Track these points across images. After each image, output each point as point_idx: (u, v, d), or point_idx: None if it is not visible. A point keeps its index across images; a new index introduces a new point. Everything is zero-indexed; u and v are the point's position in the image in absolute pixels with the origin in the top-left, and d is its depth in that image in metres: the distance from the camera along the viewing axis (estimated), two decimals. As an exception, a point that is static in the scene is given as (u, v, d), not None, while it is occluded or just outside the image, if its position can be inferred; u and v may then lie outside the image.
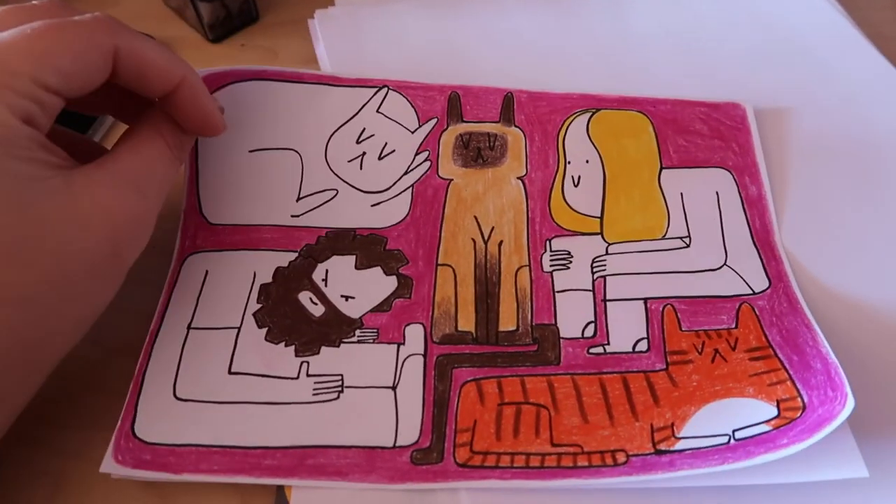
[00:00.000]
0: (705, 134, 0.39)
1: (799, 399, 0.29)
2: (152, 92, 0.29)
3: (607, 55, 0.44)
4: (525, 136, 0.39)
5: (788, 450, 0.27)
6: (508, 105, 0.40)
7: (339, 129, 0.39)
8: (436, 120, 0.40)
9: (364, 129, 0.39)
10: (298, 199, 0.37)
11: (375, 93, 0.40)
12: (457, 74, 0.42)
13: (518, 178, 0.38)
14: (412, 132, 0.39)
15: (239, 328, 0.33)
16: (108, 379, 0.33)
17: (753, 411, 0.29)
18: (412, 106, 0.40)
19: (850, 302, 0.34)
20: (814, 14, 0.47)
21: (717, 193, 0.37)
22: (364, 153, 0.39)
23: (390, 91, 0.40)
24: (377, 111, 0.40)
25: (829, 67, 0.44)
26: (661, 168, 0.38)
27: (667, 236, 0.36)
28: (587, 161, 0.38)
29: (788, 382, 0.30)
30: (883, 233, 0.37)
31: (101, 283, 0.28)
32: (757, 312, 0.33)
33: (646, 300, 0.34)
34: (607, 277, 0.35)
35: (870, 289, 0.35)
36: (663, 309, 0.33)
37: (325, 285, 0.34)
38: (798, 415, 0.29)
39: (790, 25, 0.46)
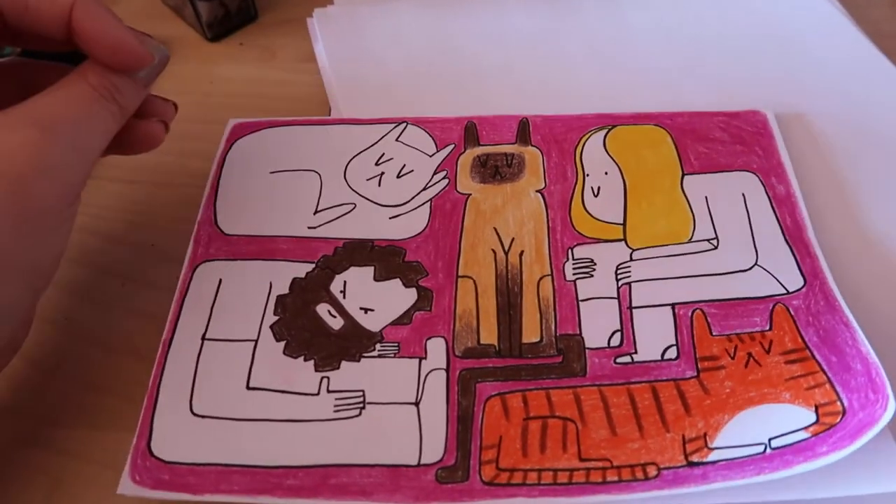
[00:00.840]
0: (726, 141, 0.39)
1: (839, 403, 0.28)
2: (46, 25, 0.28)
3: (617, 73, 0.44)
4: (542, 153, 0.39)
5: (828, 458, 0.26)
6: (524, 128, 0.40)
7: (358, 154, 0.39)
8: (453, 146, 0.39)
9: (383, 153, 0.39)
10: (316, 212, 0.37)
11: (395, 127, 0.40)
12: (458, 73, 0.42)
13: (537, 191, 0.37)
14: (430, 156, 0.39)
15: (256, 341, 0.32)
16: (113, 381, 0.33)
17: (790, 418, 0.28)
18: (430, 136, 0.40)
19: (891, 299, 0.33)
20: (813, 14, 0.46)
21: (743, 195, 0.36)
22: (383, 173, 0.38)
23: (409, 125, 0.40)
24: (396, 140, 0.40)
25: (830, 68, 0.43)
26: (683, 174, 0.37)
27: (693, 239, 0.35)
28: (606, 173, 0.38)
29: (827, 385, 0.29)
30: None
31: (12, 223, 0.26)
32: (792, 312, 0.32)
33: (673, 305, 0.33)
34: (632, 284, 0.34)
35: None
36: (692, 314, 0.32)
37: (344, 297, 0.34)
38: (838, 420, 0.27)
39: (790, 26, 0.46)
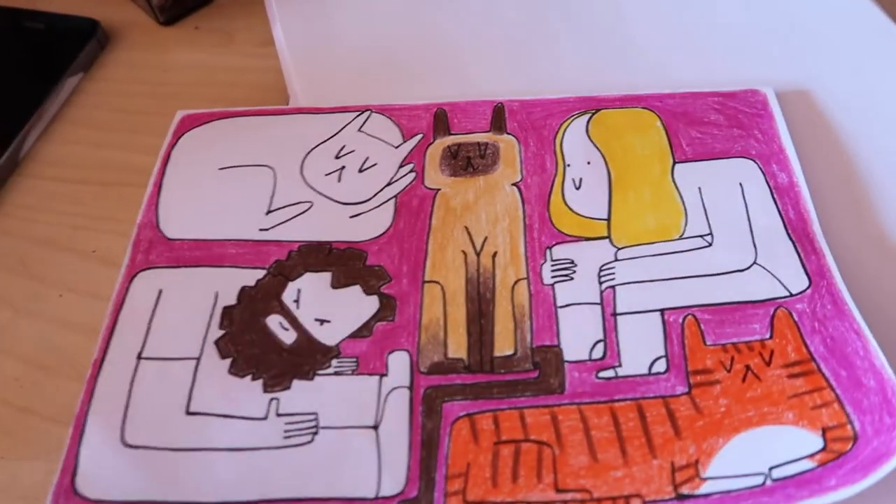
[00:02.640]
0: (722, 124, 0.35)
1: (849, 427, 0.25)
2: None
3: (604, 52, 0.40)
4: (519, 142, 0.35)
5: (837, 493, 0.23)
6: (499, 114, 0.36)
7: (317, 146, 0.36)
8: (421, 135, 0.36)
9: (344, 146, 0.36)
10: (269, 212, 0.33)
11: (357, 116, 0.37)
12: (428, 55, 0.39)
13: (513, 184, 0.34)
14: (396, 147, 0.36)
15: (198, 359, 0.29)
16: (46, 404, 0.30)
17: (794, 443, 0.25)
18: (396, 125, 0.37)
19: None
20: None
21: (740, 185, 0.33)
22: (343, 167, 0.35)
23: (373, 113, 0.37)
24: (359, 130, 0.36)
25: (837, 40, 0.40)
26: (675, 162, 0.34)
27: (685, 236, 0.31)
28: (589, 163, 0.34)
29: (836, 405, 0.25)
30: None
31: None
32: (795, 318, 0.28)
33: (662, 311, 0.29)
34: (617, 287, 0.30)
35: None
36: (683, 320, 0.29)
37: (297, 307, 0.31)
38: (849, 447, 0.24)
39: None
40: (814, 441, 0.25)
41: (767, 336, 0.28)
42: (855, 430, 0.24)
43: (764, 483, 0.24)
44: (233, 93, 0.41)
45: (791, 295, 0.29)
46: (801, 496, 0.23)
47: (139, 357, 0.29)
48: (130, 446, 0.27)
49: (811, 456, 0.24)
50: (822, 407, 0.25)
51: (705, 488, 0.24)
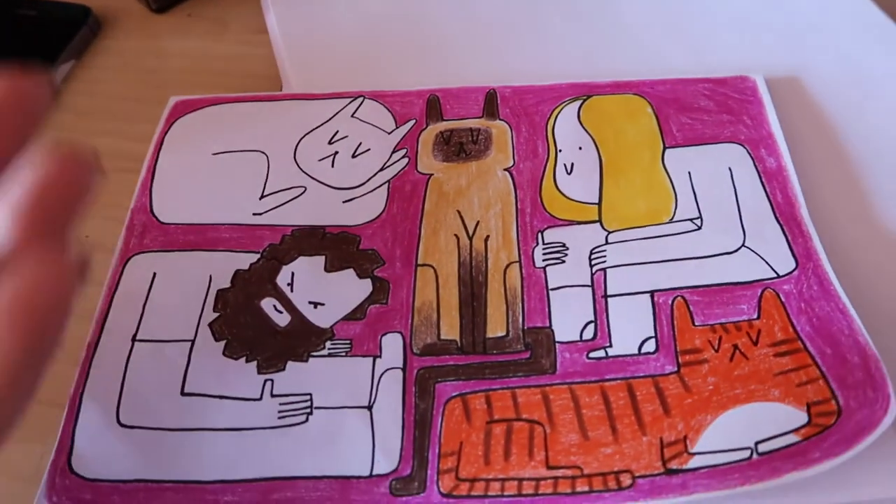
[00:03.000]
0: (712, 110, 0.35)
1: (833, 402, 0.25)
2: None
3: (596, 38, 0.40)
4: (511, 127, 0.36)
5: (821, 466, 0.23)
6: (492, 101, 0.37)
7: (310, 132, 0.36)
8: (414, 121, 0.36)
9: (337, 131, 0.36)
10: (262, 196, 0.34)
11: (350, 102, 0.37)
12: (421, 41, 0.39)
13: (505, 169, 0.34)
14: (388, 133, 0.36)
15: (193, 341, 0.29)
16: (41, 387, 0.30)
17: (780, 418, 0.25)
18: (389, 111, 0.37)
19: (890, 283, 0.30)
20: None
21: (729, 169, 0.33)
22: (336, 152, 0.35)
23: (366, 99, 0.37)
24: (352, 116, 0.36)
25: (826, 26, 0.40)
26: (665, 148, 0.34)
27: (675, 219, 0.32)
28: (580, 148, 0.35)
29: (821, 381, 0.26)
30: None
31: None
32: (782, 298, 0.29)
33: (652, 293, 0.30)
34: (608, 270, 0.30)
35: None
36: (673, 301, 0.29)
37: (291, 290, 0.31)
38: (832, 421, 0.24)
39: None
40: (799, 416, 0.25)
41: (755, 316, 0.28)
42: (839, 404, 0.25)
43: (750, 457, 0.25)
44: (226, 80, 0.41)
45: (778, 276, 0.30)
46: (786, 469, 0.24)
47: (134, 339, 0.29)
48: (126, 426, 0.27)
49: (796, 430, 0.25)
50: (807, 384, 0.26)
51: (693, 463, 0.25)
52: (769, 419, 0.25)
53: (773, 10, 0.41)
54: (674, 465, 0.25)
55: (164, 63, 0.42)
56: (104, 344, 0.29)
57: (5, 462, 0.28)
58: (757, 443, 0.25)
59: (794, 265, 0.30)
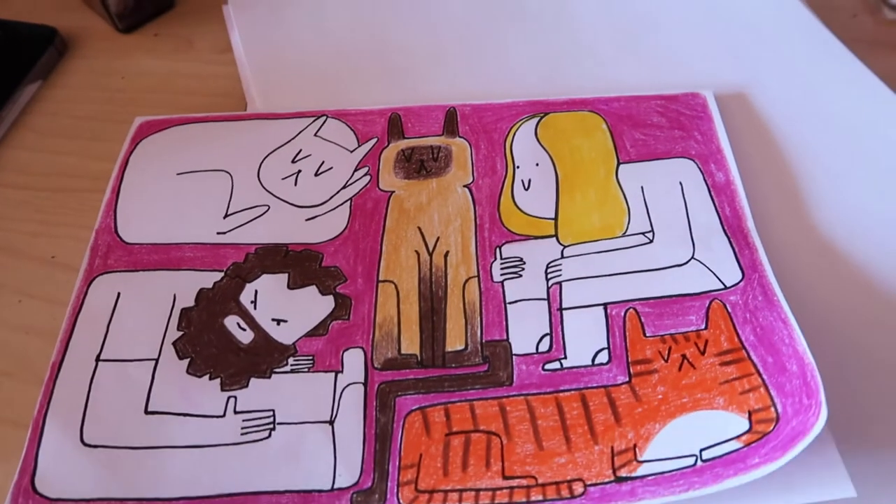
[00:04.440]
0: (664, 126, 0.37)
1: (773, 409, 0.26)
2: None
3: (552, 57, 0.42)
4: (470, 145, 0.37)
5: (760, 470, 0.24)
6: (452, 119, 0.38)
7: (274, 151, 0.37)
8: (376, 139, 0.37)
9: (301, 150, 0.37)
10: (226, 215, 0.34)
11: (314, 121, 0.38)
12: (384, 60, 0.40)
13: (464, 186, 0.35)
14: (351, 151, 0.37)
15: (157, 360, 0.30)
16: (4, 407, 0.30)
17: (723, 426, 0.26)
18: (352, 130, 0.38)
19: (834, 292, 0.31)
20: None
21: (680, 184, 0.34)
22: (299, 171, 0.36)
23: (329, 118, 0.38)
24: (315, 135, 0.37)
25: (773, 44, 0.42)
26: (619, 163, 0.35)
27: (628, 233, 0.33)
28: (537, 164, 0.36)
29: (762, 389, 0.27)
30: (859, 212, 0.34)
31: None
32: (729, 309, 0.30)
33: (606, 305, 0.31)
34: (563, 283, 0.31)
35: (851, 278, 0.32)
36: (625, 314, 0.30)
37: (255, 308, 0.31)
38: (771, 428, 0.25)
39: (736, 6, 0.44)
40: (741, 423, 0.26)
41: (703, 327, 0.29)
42: (777, 411, 0.26)
43: (695, 464, 0.25)
44: (192, 99, 0.41)
45: (725, 287, 0.31)
46: (727, 475, 0.25)
47: (98, 359, 0.30)
48: (89, 445, 0.27)
49: (738, 437, 0.26)
50: (749, 392, 0.27)
51: (642, 470, 0.26)
52: (713, 427, 0.26)
53: (723, 29, 0.43)
54: (623, 472, 0.26)
55: (131, 83, 0.43)
56: (68, 364, 0.29)
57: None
58: (702, 450, 0.26)
59: (740, 276, 0.31)
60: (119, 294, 0.31)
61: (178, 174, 0.36)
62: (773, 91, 0.39)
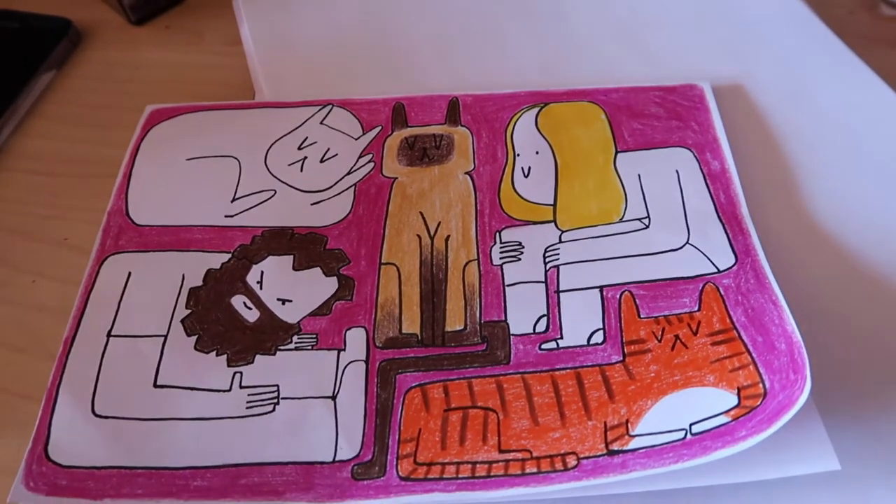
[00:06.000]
0: (662, 116, 0.37)
1: (760, 385, 0.27)
2: None
3: (553, 49, 0.42)
4: (472, 133, 0.38)
5: (747, 442, 0.25)
6: (454, 108, 0.39)
7: (281, 138, 0.38)
8: (380, 128, 0.38)
9: (307, 137, 0.38)
10: (234, 199, 0.35)
11: (320, 109, 0.39)
12: (389, 51, 0.41)
13: (466, 173, 0.36)
14: (356, 139, 0.38)
15: (165, 336, 0.31)
16: (20, 382, 0.31)
17: (712, 401, 0.27)
18: (356, 118, 0.39)
19: (824, 277, 0.32)
20: None
21: (677, 172, 0.35)
22: (305, 157, 0.37)
23: (335, 107, 0.39)
24: (321, 123, 0.38)
25: (769, 37, 0.42)
26: (617, 152, 0.36)
27: (624, 219, 0.34)
28: (537, 152, 0.36)
29: (751, 367, 0.28)
30: (849, 200, 0.35)
31: None
32: (722, 292, 0.31)
33: (602, 288, 0.31)
34: (560, 267, 0.32)
35: (840, 261, 0.32)
36: (621, 296, 0.31)
37: (261, 288, 0.32)
38: (759, 402, 0.26)
39: (734, 0, 0.45)
40: (730, 399, 0.27)
41: (696, 308, 0.30)
42: (765, 387, 0.27)
43: (685, 437, 0.26)
44: (201, 90, 0.42)
45: (719, 271, 0.31)
46: (715, 447, 0.25)
47: (109, 335, 0.31)
48: (100, 416, 0.29)
49: (727, 412, 0.26)
50: (739, 369, 0.28)
51: (633, 444, 0.27)
52: (703, 402, 0.27)
53: (720, 21, 0.43)
54: (615, 446, 0.27)
55: (142, 73, 0.44)
56: (80, 339, 0.30)
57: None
58: (691, 424, 0.26)
59: (733, 261, 0.32)
60: (129, 273, 0.32)
61: (187, 160, 0.37)
62: (769, 83, 0.39)
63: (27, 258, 0.35)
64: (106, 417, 0.29)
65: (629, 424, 0.27)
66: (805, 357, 0.26)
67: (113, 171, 0.37)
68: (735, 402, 0.27)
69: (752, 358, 0.28)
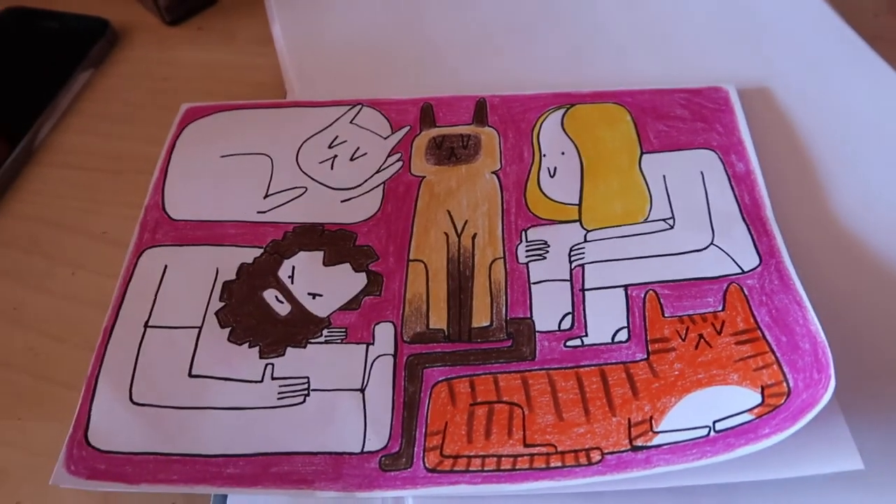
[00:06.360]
0: (686, 118, 0.38)
1: (784, 384, 0.27)
2: None
3: (579, 50, 0.43)
4: (499, 134, 0.38)
5: (770, 440, 0.25)
6: (481, 109, 0.39)
7: (312, 136, 0.39)
8: (408, 127, 0.39)
9: (337, 136, 0.38)
10: (266, 196, 0.36)
11: (350, 109, 0.40)
12: (418, 51, 0.42)
13: (492, 172, 0.37)
14: (385, 138, 0.38)
15: (200, 328, 0.32)
16: (62, 371, 0.33)
17: (736, 400, 0.27)
18: (385, 118, 0.39)
19: (849, 277, 0.32)
20: None
21: (701, 173, 0.35)
22: (336, 156, 0.38)
23: (364, 107, 0.39)
24: (351, 122, 0.39)
25: (795, 40, 0.42)
26: (642, 153, 0.36)
27: (649, 219, 0.34)
28: (563, 153, 0.37)
29: (775, 366, 0.28)
30: (874, 202, 0.35)
31: None
32: (746, 292, 0.31)
33: (626, 287, 0.32)
34: (586, 266, 0.33)
35: (866, 263, 0.33)
36: (645, 295, 0.31)
37: (292, 282, 0.33)
38: (782, 401, 0.26)
39: (760, 4, 0.45)
40: (753, 397, 0.27)
41: (720, 308, 0.31)
42: (789, 386, 0.27)
43: (708, 434, 0.27)
44: (234, 88, 0.43)
45: (743, 272, 0.32)
46: (739, 444, 0.26)
47: (146, 325, 0.32)
48: (137, 404, 0.30)
49: (750, 410, 0.27)
50: (763, 368, 0.28)
51: (657, 440, 0.27)
52: (727, 400, 0.27)
53: (746, 24, 0.43)
54: (639, 442, 0.27)
55: (177, 72, 0.45)
56: (119, 330, 0.31)
57: (27, 440, 0.31)
58: (715, 421, 0.27)
59: (758, 262, 0.32)
60: (166, 266, 0.33)
61: (221, 157, 0.37)
62: (794, 86, 0.39)
63: (68, 251, 0.37)
64: (143, 405, 0.29)
65: (653, 421, 0.28)
66: (829, 356, 0.26)
67: (149, 166, 0.38)
68: (759, 400, 0.27)
69: (775, 357, 0.28)
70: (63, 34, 0.46)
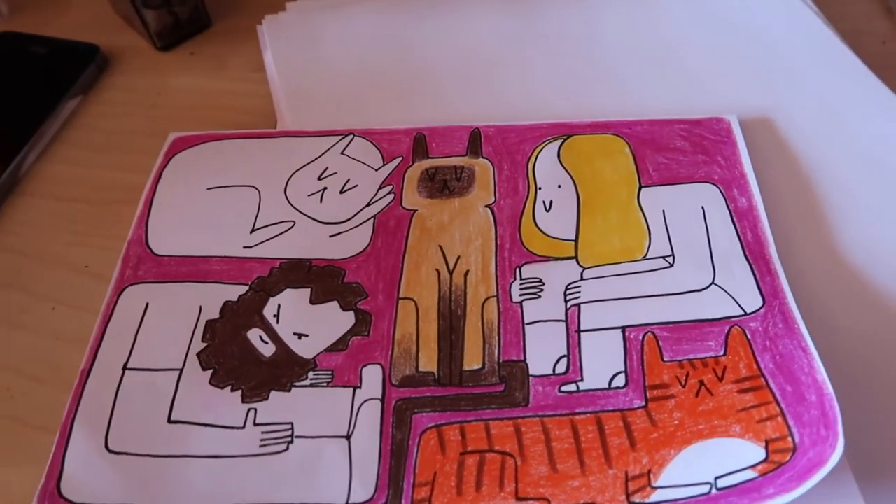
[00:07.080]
0: (687, 150, 0.37)
1: (790, 439, 0.26)
2: None
3: (577, 79, 0.42)
4: (493, 165, 0.37)
5: (774, 501, 0.24)
6: (475, 139, 0.38)
7: (301, 168, 0.38)
8: (401, 158, 0.38)
9: (327, 167, 0.38)
10: (253, 230, 0.35)
11: (341, 139, 0.39)
12: (412, 80, 0.41)
13: (486, 206, 0.36)
14: (376, 170, 0.37)
15: (181, 370, 0.31)
16: (36, 413, 0.31)
17: (739, 454, 0.26)
18: (377, 148, 0.38)
19: (858, 320, 0.31)
20: (786, 16, 0.44)
21: (702, 208, 0.34)
22: (325, 188, 0.37)
23: (356, 137, 0.39)
24: (342, 153, 0.38)
25: (799, 68, 0.41)
26: (641, 187, 0.35)
27: (648, 256, 0.33)
28: (559, 186, 0.36)
29: (780, 418, 0.27)
30: (884, 241, 0.33)
31: None
32: (748, 336, 0.30)
33: (624, 329, 0.31)
34: (582, 305, 0.32)
35: (875, 306, 0.31)
36: (643, 338, 0.30)
37: (277, 322, 0.32)
38: (788, 458, 0.25)
39: (763, 31, 0.44)
40: (757, 452, 0.26)
41: (721, 353, 0.29)
42: (794, 441, 0.26)
43: (709, 492, 0.25)
44: (224, 116, 0.43)
45: (746, 314, 0.30)
46: (741, 503, 0.25)
47: (125, 368, 0.31)
48: (114, 452, 0.28)
49: (754, 466, 0.25)
50: (767, 420, 0.27)
51: (655, 497, 0.26)
52: (729, 455, 0.26)
53: (748, 52, 0.42)
54: (636, 498, 0.26)
55: (167, 99, 0.44)
56: (96, 371, 0.30)
57: (12, 488, 0.30)
58: (716, 478, 0.26)
59: (761, 303, 0.31)
60: (147, 305, 0.32)
61: (208, 189, 0.37)
62: (798, 117, 0.38)
63: (48, 285, 0.36)
64: (119, 453, 0.28)
65: (651, 475, 0.26)
66: (837, 411, 0.25)
67: (135, 197, 0.37)
68: (763, 455, 0.26)
69: (780, 409, 0.27)
70: (53, 60, 0.45)
